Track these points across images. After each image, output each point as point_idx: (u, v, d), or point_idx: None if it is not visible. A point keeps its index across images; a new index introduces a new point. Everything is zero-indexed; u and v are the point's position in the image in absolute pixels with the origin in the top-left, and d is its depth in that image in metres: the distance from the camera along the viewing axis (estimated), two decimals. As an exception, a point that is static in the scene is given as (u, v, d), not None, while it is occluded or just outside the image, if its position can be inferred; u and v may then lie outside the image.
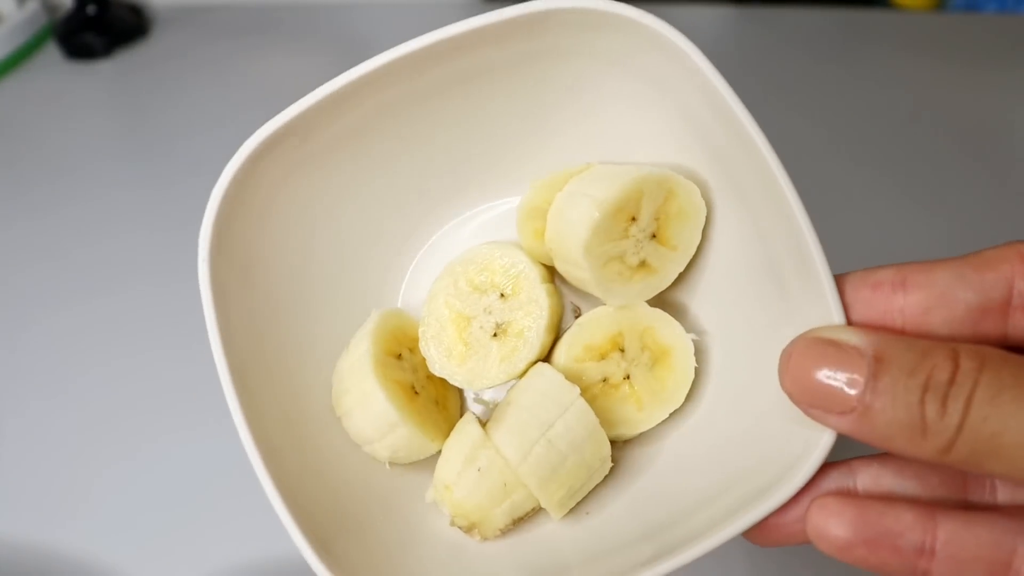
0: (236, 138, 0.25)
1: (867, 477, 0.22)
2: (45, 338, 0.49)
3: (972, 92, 0.61)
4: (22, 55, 0.75)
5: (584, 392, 0.26)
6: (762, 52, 0.67)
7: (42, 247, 0.56)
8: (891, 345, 0.19)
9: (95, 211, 0.58)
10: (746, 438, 0.25)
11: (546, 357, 0.28)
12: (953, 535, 0.20)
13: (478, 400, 0.30)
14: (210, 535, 0.39)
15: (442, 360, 0.28)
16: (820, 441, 0.22)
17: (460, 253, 0.29)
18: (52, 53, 0.75)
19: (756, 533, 0.23)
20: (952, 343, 0.19)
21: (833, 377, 0.19)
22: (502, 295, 0.28)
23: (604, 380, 0.28)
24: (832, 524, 0.21)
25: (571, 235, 0.26)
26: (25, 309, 0.51)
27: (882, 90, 0.62)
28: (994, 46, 0.66)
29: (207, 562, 0.38)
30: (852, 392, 0.19)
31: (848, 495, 0.22)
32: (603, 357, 0.28)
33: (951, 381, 0.18)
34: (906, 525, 0.20)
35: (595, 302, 0.28)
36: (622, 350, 0.28)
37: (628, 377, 0.28)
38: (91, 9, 0.73)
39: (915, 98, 0.61)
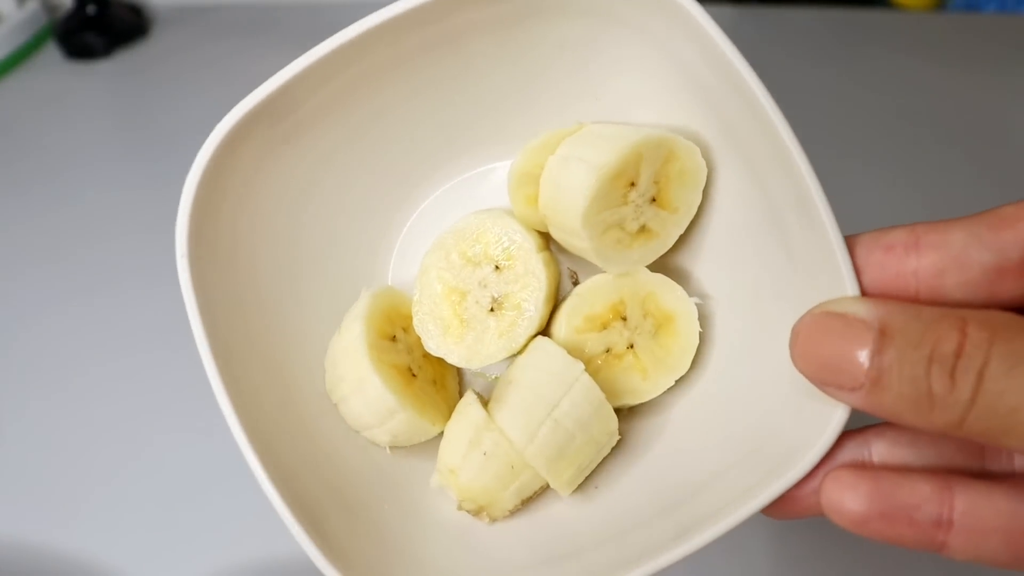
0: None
1: (882, 447, 0.22)
2: (45, 338, 0.49)
3: (972, 92, 0.61)
4: (22, 55, 0.75)
5: (587, 364, 0.25)
6: (762, 52, 0.67)
7: (42, 247, 0.55)
8: (897, 316, 0.19)
9: (95, 211, 0.58)
10: (756, 409, 0.24)
11: (545, 327, 0.27)
12: (970, 506, 0.19)
13: (478, 374, 0.29)
14: (211, 535, 0.39)
15: (438, 338, 0.27)
16: (834, 415, 0.21)
17: (450, 224, 0.28)
18: (52, 53, 0.75)
19: (771, 507, 0.22)
20: (962, 311, 0.18)
21: (840, 352, 0.19)
22: (497, 267, 0.27)
23: (607, 350, 0.27)
24: (847, 498, 0.20)
25: (568, 204, 0.25)
26: (25, 309, 0.51)
27: (882, 90, 0.62)
28: (994, 46, 0.66)
29: (207, 562, 0.38)
30: (859, 367, 0.19)
31: (863, 467, 0.21)
32: (605, 327, 0.27)
33: (958, 352, 0.18)
34: (923, 497, 0.20)
35: (593, 267, 0.27)
36: (624, 318, 0.27)
37: (632, 346, 0.27)
38: (91, 9, 0.73)
39: (915, 98, 0.61)
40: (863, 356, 0.19)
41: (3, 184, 0.61)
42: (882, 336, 0.19)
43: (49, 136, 0.66)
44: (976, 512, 0.19)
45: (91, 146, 0.65)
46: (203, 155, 0.24)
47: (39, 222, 0.57)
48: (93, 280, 0.52)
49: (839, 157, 0.56)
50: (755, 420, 0.24)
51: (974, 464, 0.22)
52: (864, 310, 0.19)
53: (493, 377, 0.29)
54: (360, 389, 0.26)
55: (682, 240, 0.27)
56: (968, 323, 0.18)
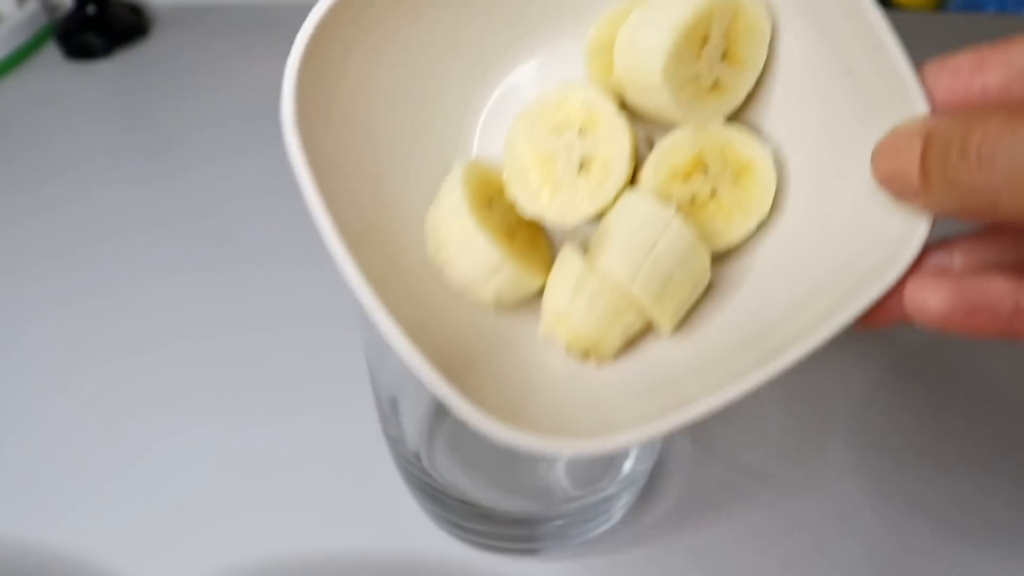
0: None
1: (963, 253, 0.24)
2: (45, 338, 0.49)
3: (972, 92, 0.61)
4: (22, 55, 0.75)
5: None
6: (762, 52, 0.67)
7: (42, 247, 0.56)
8: (941, 121, 0.20)
9: (95, 210, 0.58)
10: (839, 237, 0.26)
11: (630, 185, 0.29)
12: None
13: (568, 237, 0.31)
14: (211, 535, 0.39)
15: (532, 201, 0.28)
16: (919, 225, 0.23)
17: (531, 98, 0.29)
18: (52, 53, 0.75)
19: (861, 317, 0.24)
20: (997, 104, 0.20)
21: (901, 163, 0.21)
22: (581, 130, 0.28)
23: (692, 200, 0.28)
24: (931, 298, 0.22)
25: (647, 62, 0.26)
26: (24, 308, 0.51)
27: (882, 90, 0.62)
28: (994, 46, 0.66)
29: (207, 562, 0.38)
30: (914, 172, 0.21)
31: (945, 272, 0.23)
32: (688, 178, 0.28)
33: (983, 139, 0.19)
34: (1001, 291, 0.21)
35: (664, 134, 0.29)
36: (705, 169, 0.28)
37: (714, 194, 0.28)
38: (91, 9, 0.73)
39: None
40: (915, 162, 0.21)
41: (3, 184, 0.61)
42: (926, 140, 0.21)
43: (49, 136, 0.66)
44: None
45: (91, 146, 0.65)
46: (307, 27, 0.25)
47: (39, 222, 0.58)
48: (92, 279, 0.52)
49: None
50: (840, 248, 0.26)
51: None
52: (917, 123, 0.21)
53: (584, 240, 0.31)
54: (464, 249, 0.27)
55: (751, 95, 0.28)
56: (997, 111, 0.19)
